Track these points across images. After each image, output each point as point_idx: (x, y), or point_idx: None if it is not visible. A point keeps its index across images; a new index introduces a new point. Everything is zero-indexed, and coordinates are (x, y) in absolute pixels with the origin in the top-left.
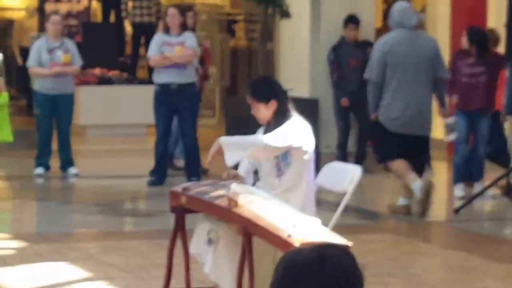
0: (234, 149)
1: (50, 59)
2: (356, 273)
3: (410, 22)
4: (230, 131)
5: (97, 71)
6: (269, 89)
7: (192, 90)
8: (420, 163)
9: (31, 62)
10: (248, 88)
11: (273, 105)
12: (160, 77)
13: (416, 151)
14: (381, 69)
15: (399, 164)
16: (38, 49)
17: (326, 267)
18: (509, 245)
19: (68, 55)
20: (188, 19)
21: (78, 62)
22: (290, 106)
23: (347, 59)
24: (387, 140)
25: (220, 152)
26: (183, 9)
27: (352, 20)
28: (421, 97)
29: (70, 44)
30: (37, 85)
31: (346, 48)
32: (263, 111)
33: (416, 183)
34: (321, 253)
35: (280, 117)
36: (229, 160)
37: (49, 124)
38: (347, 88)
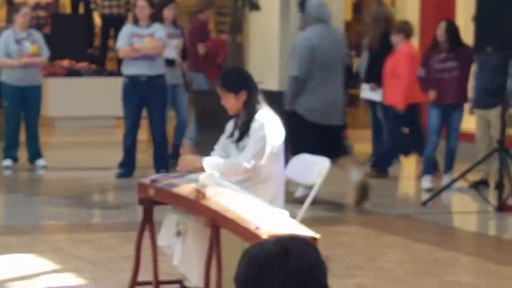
0: (219, 173)
1: (18, 49)
2: (320, 265)
3: (327, 16)
4: (200, 124)
5: (66, 62)
6: (239, 79)
7: (162, 82)
8: (336, 153)
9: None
10: (219, 78)
11: (243, 95)
12: (129, 69)
13: (333, 141)
14: (309, 64)
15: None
16: (6, 40)
17: (290, 260)
18: (477, 238)
19: (36, 45)
20: (168, 11)
21: (46, 53)
22: (260, 98)
23: None
24: (305, 132)
25: (197, 167)
26: (160, 2)
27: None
28: (338, 89)
29: (37, 35)
30: (4, 77)
31: None
32: (233, 102)
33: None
34: (285, 246)
35: (249, 108)
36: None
37: (17, 116)
38: None
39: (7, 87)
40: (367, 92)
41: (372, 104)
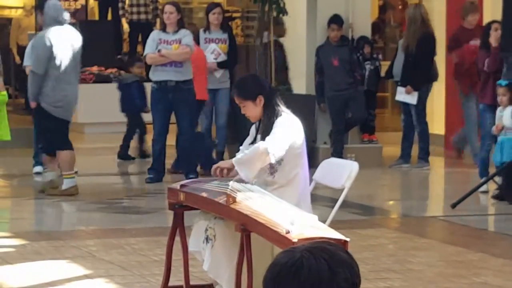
0: (246, 166)
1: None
2: (333, 277)
3: (64, 18)
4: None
5: (95, 69)
6: (255, 86)
7: (189, 87)
8: None
9: (27, 61)
10: (234, 89)
11: (260, 101)
12: (157, 75)
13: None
14: (47, 62)
15: (67, 154)
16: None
17: (301, 272)
18: (507, 240)
19: None
20: (212, 16)
21: None
22: (279, 101)
23: (330, 59)
24: (53, 127)
25: (230, 169)
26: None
27: (334, 21)
28: (74, 87)
29: None
30: None
31: (328, 48)
32: (252, 109)
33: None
34: (304, 257)
35: (269, 112)
36: (245, 177)
37: None
38: (333, 88)
39: None
40: (402, 95)
41: (405, 106)
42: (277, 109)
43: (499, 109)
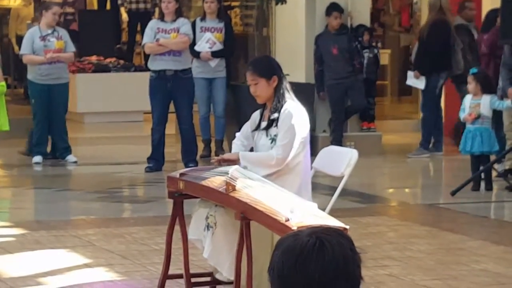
0: (253, 165)
1: (44, 46)
2: (354, 257)
3: None
4: (228, 119)
5: (94, 58)
6: (271, 65)
7: (188, 76)
8: None
9: (24, 50)
10: (249, 65)
11: (274, 81)
12: (155, 64)
13: None
14: None
15: None
16: (31, 37)
17: (325, 252)
18: (507, 227)
19: (61, 41)
20: (205, 4)
21: (71, 48)
22: (289, 87)
23: (329, 48)
24: None
25: (231, 161)
26: None
27: (336, 8)
28: None
29: (62, 31)
30: (31, 75)
31: (328, 37)
32: (265, 87)
33: None
34: (319, 237)
35: (279, 96)
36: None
37: (44, 113)
38: (332, 77)
39: (34, 85)
40: (412, 79)
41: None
42: (287, 95)
43: (467, 97)
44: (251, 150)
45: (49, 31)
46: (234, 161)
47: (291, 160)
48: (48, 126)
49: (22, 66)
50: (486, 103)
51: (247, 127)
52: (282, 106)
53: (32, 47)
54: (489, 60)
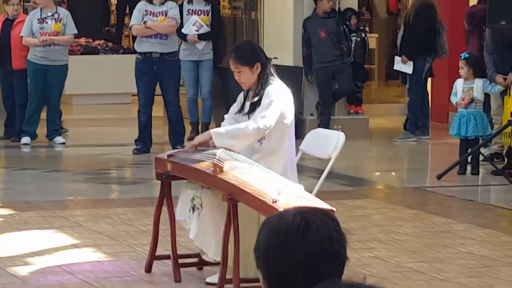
0: (225, 139)
1: (40, 28)
2: (340, 237)
3: None
4: (216, 101)
5: (82, 40)
6: (253, 52)
7: (174, 59)
8: None
9: (23, 33)
10: (232, 52)
11: (257, 68)
12: (142, 46)
13: None
14: None
15: None
16: (30, 19)
17: (310, 232)
18: (493, 210)
19: (59, 24)
20: None
21: (72, 31)
22: (273, 71)
23: (317, 31)
24: None
25: (204, 143)
26: None
27: None
28: None
29: (64, 13)
30: (29, 55)
31: (315, 20)
32: (248, 75)
33: None
34: (305, 217)
35: (263, 81)
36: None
37: (38, 94)
38: (320, 60)
39: (30, 64)
40: (399, 64)
41: (403, 76)
42: (271, 79)
43: (458, 81)
44: None
45: (49, 13)
46: (207, 142)
47: (274, 142)
48: (41, 107)
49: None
50: (478, 87)
51: (234, 108)
52: (264, 90)
53: (31, 29)
54: (470, 36)
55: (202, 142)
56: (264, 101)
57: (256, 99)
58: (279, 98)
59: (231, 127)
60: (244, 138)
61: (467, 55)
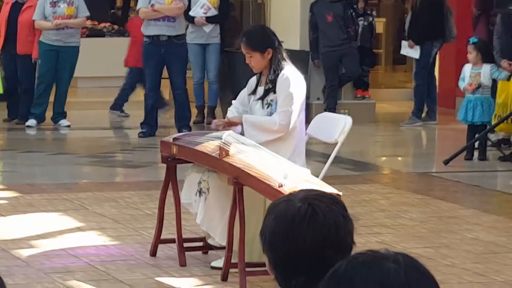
0: (256, 130)
1: (53, 12)
2: (346, 223)
3: None
4: (222, 85)
5: (88, 23)
6: (265, 38)
7: (182, 42)
8: None
9: (35, 16)
10: (243, 37)
11: (269, 54)
12: (149, 29)
13: None
14: None
15: None
16: (42, 3)
17: (317, 219)
18: (499, 196)
19: (71, 7)
20: None
21: (84, 13)
22: (285, 55)
23: (324, 15)
24: None
25: (235, 123)
26: None
27: None
28: None
29: None
30: (42, 36)
31: (323, 4)
32: (259, 60)
33: None
34: (311, 204)
35: (275, 65)
36: (250, 137)
37: (48, 76)
38: (327, 44)
39: (42, 45)
40: (406, 49)
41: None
42: (283, 63)
43: (466, 66)
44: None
45: None
46: (237, 124)
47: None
48: (50, 89)
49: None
50: (486, 73)
51: (244, 93)
52: (278, 76)
53: (44, 13)
54: (478, 22)
55: (232, 123)
56: (282, 91)
57: (270, 85)
58: (297, 88)
59: (262, 118)
60: (269, 132)
61: (475, 40)
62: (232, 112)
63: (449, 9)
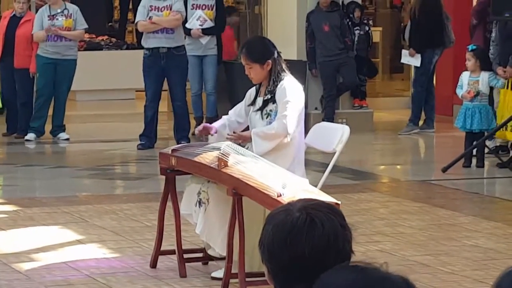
0: (265, 141)
1: (51, 24)
2: (345, 232)
3: None
4: (221, 95)
5: (86, 36)
6: (265, 49)
7: (181, 54)
8: None
9: (34, 29)
10: (243, 48)
11: (268, 65)
12: (149, 42)
13: None
14: None
15: None
16: (40, 16)
17: (315, 228)
18: (498, 203)
19: (70, 20)
20: None
21: (82, 26)
22: (284, 66)
23: (320, 25)
24: None
25: (246, 139)
26: None
27: None
28: None
29: (73, 9)
30: (39, 50)
31: (319, 14)
32: (259, 72)
33: None
34: (310, 213)
35: (274, 77)
36: (258, 152)
37: (47, 89)
38: (324, 54)
39: (40, 58)
40: (406, 57)
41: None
42: (282, 74)
43: (464, 74)
44: (247, 128)
45: (59, 10)
46: (247, 139)
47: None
48: (49, 102)
49: None
50: (484, 80)
51: (241, 105)
52: (277, 86)
53: (42, 26)
54: (475, 30)
55: (242, 137)
56: (281, 98)
57: (269, 96)
58: (295, 97)
59: (264, 128)
60: (276, 138)
61: (474, 47)
62: (222, 119)
63: (446, 15)
